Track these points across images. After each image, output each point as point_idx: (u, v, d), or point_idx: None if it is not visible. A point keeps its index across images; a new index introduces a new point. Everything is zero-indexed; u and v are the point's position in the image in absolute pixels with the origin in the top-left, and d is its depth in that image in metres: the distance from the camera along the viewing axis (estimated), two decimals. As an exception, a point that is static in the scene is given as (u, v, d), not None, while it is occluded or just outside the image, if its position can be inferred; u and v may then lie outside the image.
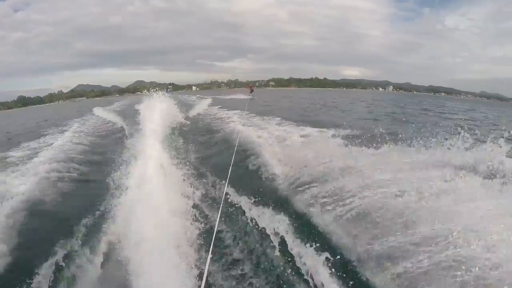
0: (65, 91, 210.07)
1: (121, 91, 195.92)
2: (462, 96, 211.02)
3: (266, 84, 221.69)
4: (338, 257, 4.08)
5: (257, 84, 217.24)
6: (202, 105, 26.45)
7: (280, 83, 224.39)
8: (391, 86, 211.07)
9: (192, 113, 21.88)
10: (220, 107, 24.95)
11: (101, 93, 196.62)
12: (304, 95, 60.89)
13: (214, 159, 9.50)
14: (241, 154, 8.98)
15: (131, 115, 18.94)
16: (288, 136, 11.21)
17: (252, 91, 42.71)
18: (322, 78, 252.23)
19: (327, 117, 20.92)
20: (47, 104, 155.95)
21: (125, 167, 8.10)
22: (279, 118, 16.36)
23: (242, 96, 39.09)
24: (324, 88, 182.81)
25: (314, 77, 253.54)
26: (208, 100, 30.15)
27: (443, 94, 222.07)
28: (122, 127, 17.22)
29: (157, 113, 14.35)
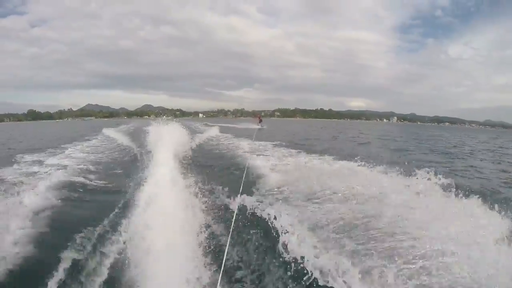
0: (74, 109, 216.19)
1: (129, 114, 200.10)
2: (467, 126, 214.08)
3: (271, 114, 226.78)
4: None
5: (262, 114, 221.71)
6: (210, 133, 26.52)
7: (285, 113, 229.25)
8: (395, 117, 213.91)
9: (201, 139, 22.08)
10: (228, 135, 25.35)
11: (110, 114, 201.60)
12: (311, 127, 60.73)
13: (225, 179, 9.50)
14: (250, 177, 9.22)
15: (142, 137, 19.32)
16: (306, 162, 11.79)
17: (260, 121, 43.69)
18: (327, 109, 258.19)
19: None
20: (56, 120, 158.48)
21: (137, 182, 8.32)
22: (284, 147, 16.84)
23: (251, 126, 39.36)
24: (329, 119, 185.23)
25: (319, 108, 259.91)
26: (216, 129, 30.10)
27: (447, 124, 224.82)
28: (133, 147, 17.54)
29: (168, 137, 14.77)
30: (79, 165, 12.08)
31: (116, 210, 6.60)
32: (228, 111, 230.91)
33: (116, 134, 26.55)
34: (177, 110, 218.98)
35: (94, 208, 6.98)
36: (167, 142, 12.79)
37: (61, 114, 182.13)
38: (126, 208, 6.55)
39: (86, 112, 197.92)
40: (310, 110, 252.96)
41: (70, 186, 8.71)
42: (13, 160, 13.40)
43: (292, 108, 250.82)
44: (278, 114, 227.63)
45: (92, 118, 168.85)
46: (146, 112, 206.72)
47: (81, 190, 8.57)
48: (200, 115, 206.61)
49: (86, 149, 17.45)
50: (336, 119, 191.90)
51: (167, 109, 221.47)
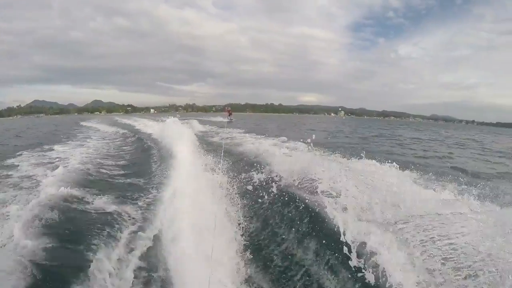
0: (22, 105, 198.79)
1: (80, 110, 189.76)
2: (411, 119, 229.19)
3: (222, 109, 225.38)
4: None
5: (213, 109, 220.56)
6: (199, 127, 26.18)
7: (236, 108, 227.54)
8: (343, 112, 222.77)
9: (198, 131, 22.49)
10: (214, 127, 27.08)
11: (60, 110, 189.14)
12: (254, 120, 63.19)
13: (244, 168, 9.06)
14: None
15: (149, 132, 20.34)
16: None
17: (230, 114, 44.59)
18: (277, 104, 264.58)
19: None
20: (6, 117, 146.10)
21: (157, 175, 8.63)
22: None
23: (220, 119, 40.56)
24: (277, 114, 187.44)
25: (269, 103, 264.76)
26: (196, 122, 29.52)
27: (392, 118, 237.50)
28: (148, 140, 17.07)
29: (177, 131, 14.73)
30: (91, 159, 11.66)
31: (141, 204, 6.37)
32: (180, 106, 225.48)
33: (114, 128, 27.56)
34: (128, 105, 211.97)
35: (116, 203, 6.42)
36: (179, 136, 12.73)
37: (10, 111, 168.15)
38: (151, 203, 6.40)
39: (35, 109, 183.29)
40: (260, 105, 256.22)
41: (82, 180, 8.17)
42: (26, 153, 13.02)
43: (243, 103, 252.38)
44: (229, 108, 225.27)
45: (42, 115, 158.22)
46: (97, 108, 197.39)
47: (96, 181, 8.27)
48: (152, 110, 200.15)
49: (97, 144, 17.09)
50: (284, 113, 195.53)
51: (118, 104, 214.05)
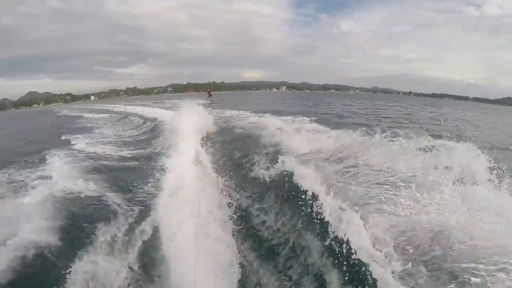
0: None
1: (16, 104, 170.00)
2: (351, 92, 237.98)
3: (164, 90, 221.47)
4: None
5: (155, 91, 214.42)
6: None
7: (178, 89, 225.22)
8: (284, 86, 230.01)
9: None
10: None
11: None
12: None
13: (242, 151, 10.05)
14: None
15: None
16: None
17: (210, 95, 43.18)
18: (219, 82, 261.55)
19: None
20: None
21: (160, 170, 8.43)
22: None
23: (200, 101, 38.42)
24: (220, 91, 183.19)
25: (211, 81, 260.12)
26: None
27: (333, 90, 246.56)
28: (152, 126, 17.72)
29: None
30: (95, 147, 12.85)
31: (141, 199, 6.62)
32: (121, 91, 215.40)
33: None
34: (67, 94, 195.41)
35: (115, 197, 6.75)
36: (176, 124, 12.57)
37: None
38: (150, 197, 6.61)
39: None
40: (202, 83, 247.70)
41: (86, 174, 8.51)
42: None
43: (185, 82, 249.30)
44: (171, 89, 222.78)
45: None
46: (34, 100, 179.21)
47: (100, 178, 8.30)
48: (92, 97, 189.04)
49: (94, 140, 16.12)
50: (226, 91, 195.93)
51: (56, 94, 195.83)
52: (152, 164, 9.43)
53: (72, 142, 14.52)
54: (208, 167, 8.84)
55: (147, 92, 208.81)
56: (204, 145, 11.18)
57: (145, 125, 19.20)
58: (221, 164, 9.55)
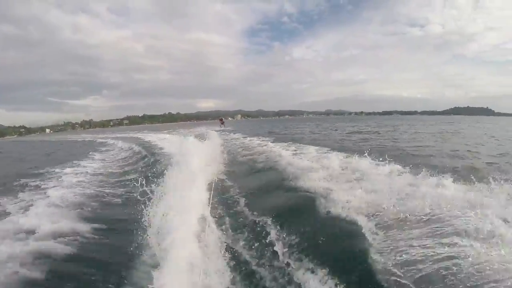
0: None
1: None
2: (304, 116, 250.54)
3: (120, 122, 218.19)
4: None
5: (111, 123, 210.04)
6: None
7: (134, 121, 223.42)
8: (239, 115, 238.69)
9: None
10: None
11: None
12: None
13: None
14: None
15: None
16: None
17: (222, 123, 45.23)
18: (175, 113, 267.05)
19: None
20: None
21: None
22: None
23: (216, 128, 39.31)
24: (175, 122, 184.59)
25: (167, 112, 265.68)
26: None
27: (287, 116, 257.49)
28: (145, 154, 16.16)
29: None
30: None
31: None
32: (76, 123, 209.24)
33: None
34: (20, 126, 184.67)
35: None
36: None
37: None
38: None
39: None
40: (158, 115, 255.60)
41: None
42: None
43: (140, 114, 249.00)
44: (127, 122, 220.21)
45: None
46: None
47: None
48: (47, 130, 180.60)
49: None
50: (183, 122, 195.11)
51: (9, 126, 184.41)
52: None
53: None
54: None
55: (103, 125, 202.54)
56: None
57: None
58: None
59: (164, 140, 23.06)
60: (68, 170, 12.85)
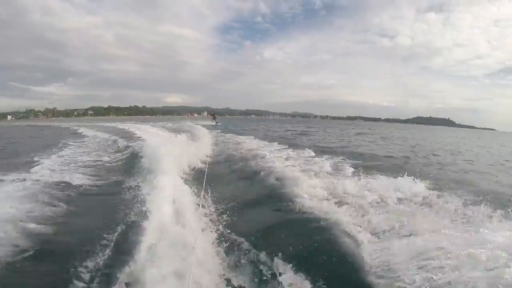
0: None
1: None
2: (271, 117, 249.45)
3: (84, 113, 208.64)
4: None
5: (75, 113, 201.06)
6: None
7: (99, 112, 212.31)
8: (206, 112, 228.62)
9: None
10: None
11: None
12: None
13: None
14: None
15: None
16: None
17: (214, 118, 45.09)
18: (141, 106, 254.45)
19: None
20: None
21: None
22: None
23: (208, 122, 39.95)
24: (142, 116, 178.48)
25: (133, 105, 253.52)
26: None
27: (253, 116, 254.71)
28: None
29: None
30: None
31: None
32: (39, 111, 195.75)
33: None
34: None
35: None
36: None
37: None
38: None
39: None
40: (124, 107, 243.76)
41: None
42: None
43: (106, 105, 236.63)
44: (91, 113, 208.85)
45: None
46: None
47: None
48: (9, 117, 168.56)
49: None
50: (149, 116, 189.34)
51: None
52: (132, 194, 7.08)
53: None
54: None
55: (67, 114, 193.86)
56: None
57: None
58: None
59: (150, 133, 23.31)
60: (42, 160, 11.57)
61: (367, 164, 10.99)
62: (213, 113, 48.54)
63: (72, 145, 16.92)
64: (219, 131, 28.57)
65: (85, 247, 4.32)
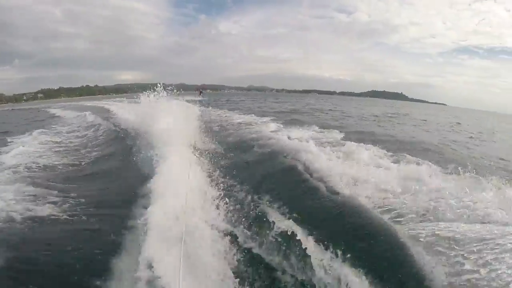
0: None
1: None
2: (226, 91, 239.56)
3: (34, 96, 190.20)
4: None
5: (24, 97, 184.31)
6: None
7: (49, 94, 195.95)
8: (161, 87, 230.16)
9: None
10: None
11: None
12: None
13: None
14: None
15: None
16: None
17: (201, 93, 45.90)
18: (93, 85, 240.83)
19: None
20: None
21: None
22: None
23: (195, 98, 38.71)
24: (94, 96, 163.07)
25: (85, 85, 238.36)
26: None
27: (208, 90, 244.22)
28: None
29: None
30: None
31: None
32: None
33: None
34: None
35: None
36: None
37: None
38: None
39: None
40: (76, 88, 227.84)
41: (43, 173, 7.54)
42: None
43: (56, 87, 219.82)
44: (42, 95, 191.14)
45: None
46: None
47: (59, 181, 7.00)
48: None
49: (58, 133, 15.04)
50: (102, 95, 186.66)
51: None
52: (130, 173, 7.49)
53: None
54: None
55: (16, 100, 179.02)
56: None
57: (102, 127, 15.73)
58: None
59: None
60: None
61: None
62: (201, 90, 48.74)
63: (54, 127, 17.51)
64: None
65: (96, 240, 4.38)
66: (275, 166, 7.14)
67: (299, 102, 45.15)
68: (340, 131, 12.56)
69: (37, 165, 8.25)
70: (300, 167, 6.52)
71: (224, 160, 8.27)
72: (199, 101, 34.62)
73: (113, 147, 11.07)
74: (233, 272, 3.74)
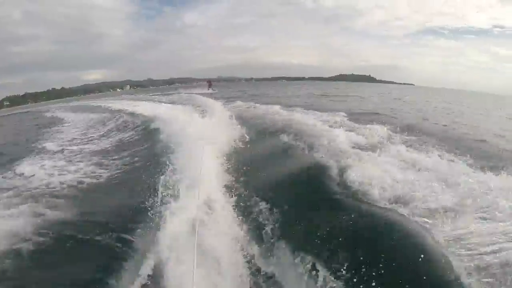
0: None
1: None
2: (195, 84, 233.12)
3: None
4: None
5: None
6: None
7: (15, 101, 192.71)
8: (128, 85, 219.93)
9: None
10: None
11: None
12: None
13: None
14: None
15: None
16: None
17: (210, 86, 44.79)
18: (59, 88, 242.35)
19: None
20: None
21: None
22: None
23: (204, 91, 38.59)
24: (62, 99, 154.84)
25: (51, 88, 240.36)
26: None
27: (177, 84, 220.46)
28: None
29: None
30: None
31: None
32: None
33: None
34: None
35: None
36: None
37: None
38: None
39: None
40: (42, 92, 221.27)
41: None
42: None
43: (22, 93, 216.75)
44: (7, 103, 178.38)
45: None
46: None
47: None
48: None
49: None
50: (69, 97, 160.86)
51: None
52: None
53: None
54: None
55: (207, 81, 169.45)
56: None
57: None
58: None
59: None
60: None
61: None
62: (210, 82, 47.86)
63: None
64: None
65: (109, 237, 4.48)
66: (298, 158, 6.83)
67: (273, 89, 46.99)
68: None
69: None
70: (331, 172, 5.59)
71: (244, 153, 8.02)
72: (210, 94, 33.19)
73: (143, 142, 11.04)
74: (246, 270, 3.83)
